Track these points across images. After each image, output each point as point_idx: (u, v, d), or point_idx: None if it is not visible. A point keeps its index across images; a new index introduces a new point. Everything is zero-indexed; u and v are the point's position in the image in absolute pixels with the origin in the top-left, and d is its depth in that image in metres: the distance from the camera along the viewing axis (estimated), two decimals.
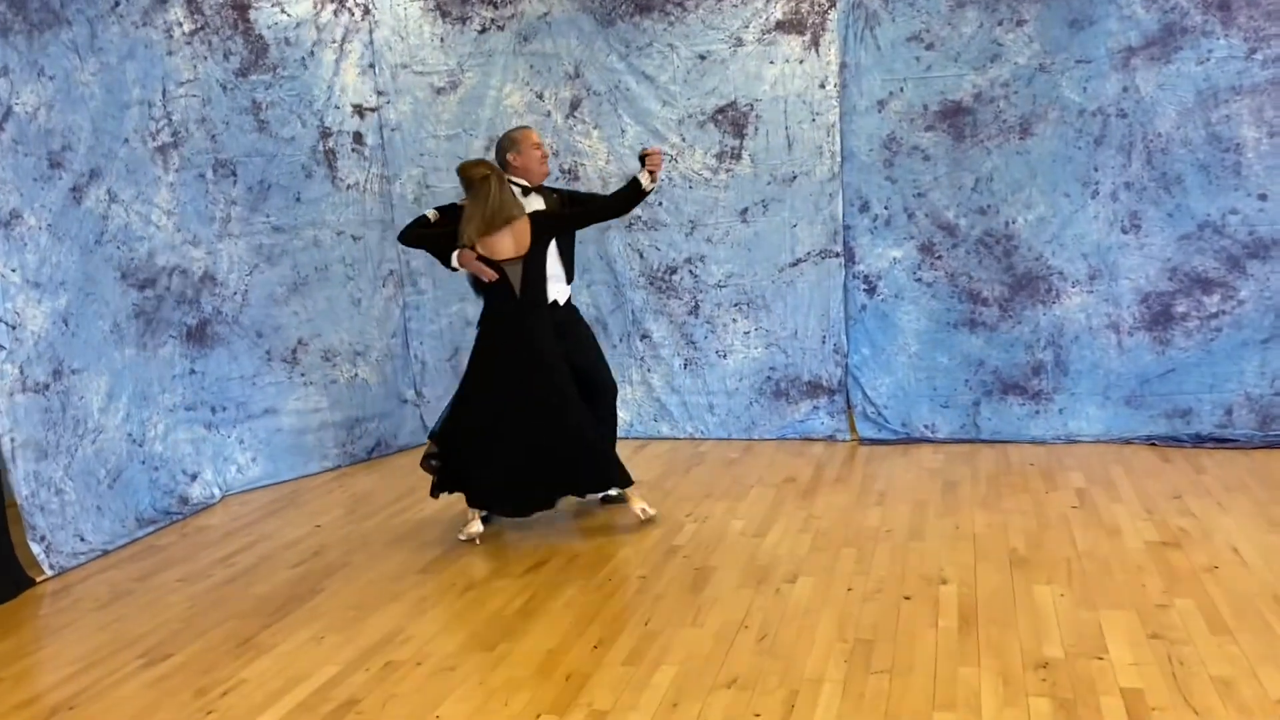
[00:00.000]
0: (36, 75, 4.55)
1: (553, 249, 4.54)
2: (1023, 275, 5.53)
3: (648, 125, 5.87)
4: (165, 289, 5.23)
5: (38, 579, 4.37)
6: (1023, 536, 4.18)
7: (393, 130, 6.09)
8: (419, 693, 3.19)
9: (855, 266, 5.77)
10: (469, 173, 4.34)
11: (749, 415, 5.97)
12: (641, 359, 6.08)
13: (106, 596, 4.18)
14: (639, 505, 4.58)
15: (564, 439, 4.40)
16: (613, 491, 4.83)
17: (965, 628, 3.39)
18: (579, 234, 4.86)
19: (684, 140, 5.84)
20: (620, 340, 6.10)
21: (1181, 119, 5.22)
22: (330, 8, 5.79)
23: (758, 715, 2.93)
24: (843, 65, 5.62)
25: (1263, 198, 5.15)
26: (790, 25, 5.65)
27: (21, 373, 4.44)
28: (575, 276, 4.85)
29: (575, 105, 6.00)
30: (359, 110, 5.96)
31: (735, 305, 5.92)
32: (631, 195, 4.42)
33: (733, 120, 5.79)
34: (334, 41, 5.82)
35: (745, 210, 5.84)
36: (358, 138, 5.96)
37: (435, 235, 4.44)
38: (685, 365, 6.04)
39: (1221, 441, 5.27)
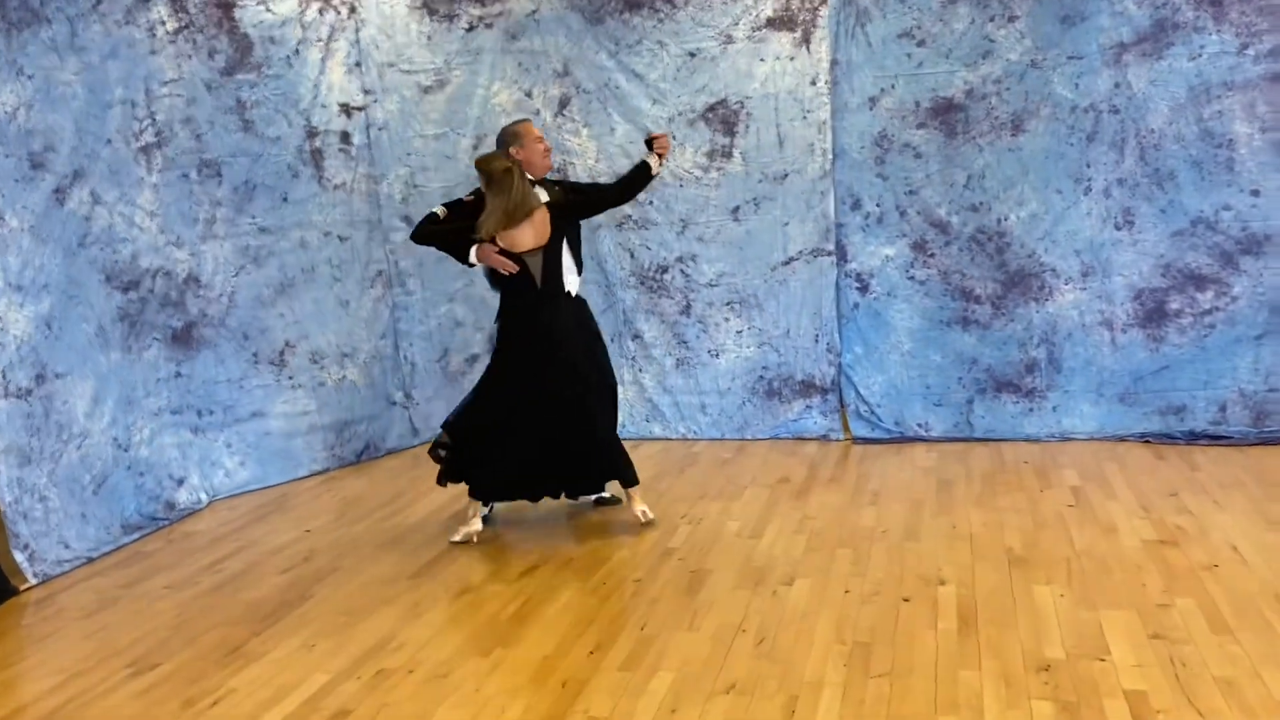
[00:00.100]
0: (16, 74, 4.47)
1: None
2: (1015, 272, 5.51)
3: (637, 124, 5.82)
4: (149, 291, 5.16)
5: (21, 587, 4.29)
6: (1019, 536, 4.15)
7: (380, 129, 6.03)
8: (412, 701, 3.13)
9: (847, 265, 5.73)
10: (489, 166, 4.29)
11: (742, 415, 5.93)
12: (633, 359, 6.03)
13: (92, 605, 4.11)
14: (640, 507, 4.53)
15: (579, 431, 4.38)
16: (606, 493, 4.80)
17: (965, 629, 3.36)
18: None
19: (674, 138, 5.78)
20: (611, 340, 6.01)
21: (1174, 115, 5.20)
22: (315, 6, 5.72)
23: None
24: (834, 62, 5.59)
25: (1255, 193, 5.14)
26: (781, 22, 5.61)
27: (4, 377, 4.36)
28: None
29: (564, 103, 5.95)
30: (345, 109, 5.90)
31: (727, 304, 5.88)
32: (641, 179, 4.47)
33: (723, 118, 5.75)
34: (320, 40, 5.75)
35: (737, 209, 5.80)
36: (344, 137, 5.89)
37: (448, 231, 4.38)
38: (677, 365, 6.00)
39: (1216, 438, 5.25)
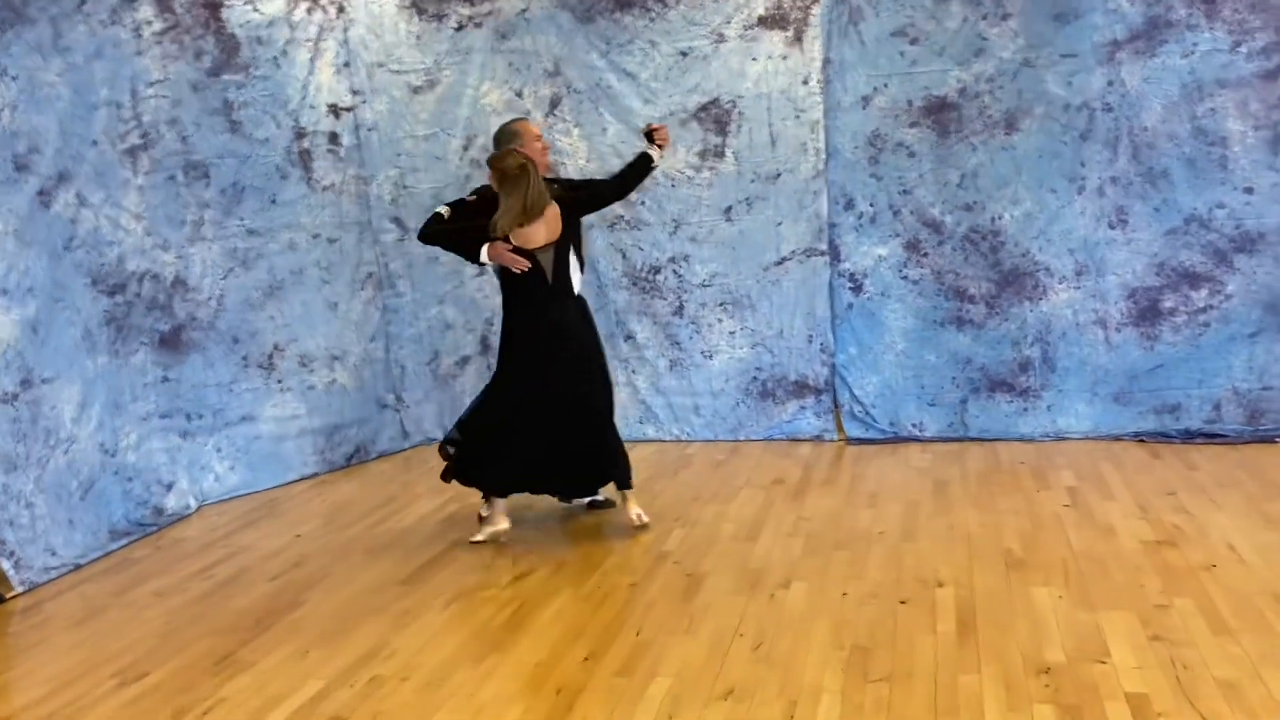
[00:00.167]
0: None
1: None
2: (1009, 272, 5.49)
3: (629, 123, 5.78)
4: (136, 295, 5.10)
5: (7, 595, 4.23)
6: (1017, 537, 4.13)
7: (369, 130, 5.98)
8: (406, 709, 3.09)
9: (841, 265, 5.70)
10: (504, 164, 4.25)
11: (735, 416, 5.90)
12: (626, 360, 5.99)
13: (79, 613, 4.05)
14: (635, 510, 4.49)
15: (586, 428, 4.37)
16: (600, 496, 4.76)
17: (964, 632, 3.33)
18: None
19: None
20: (604, 342, 5.99)
21: (1167, 113, 5.18)
22: (304, 6, 5.66)
23: None
24: (826, 61, 5.56)
25: (1249, 191, 5.13)
26: (773, 21, 5.58)
27: None
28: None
29: (555, 103, 5.90)
30: (334, 110, 5.85)
31: (720, 305, 5.84)
32: (643, 170, 4.47)
33: (715, 118, 5.71)
34: (308, 40, 5.70)
35: (729, 209, 5.76)
36: (333, 138, 5.84)
37: (456, 231, 4.34)
38: (670, 366, 5.96)
39: (1211, 437, 5.24)
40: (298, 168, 5.68)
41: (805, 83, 5.58)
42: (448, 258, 6.05)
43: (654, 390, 5.98)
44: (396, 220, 6.10)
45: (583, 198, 4.48)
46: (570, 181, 4.73)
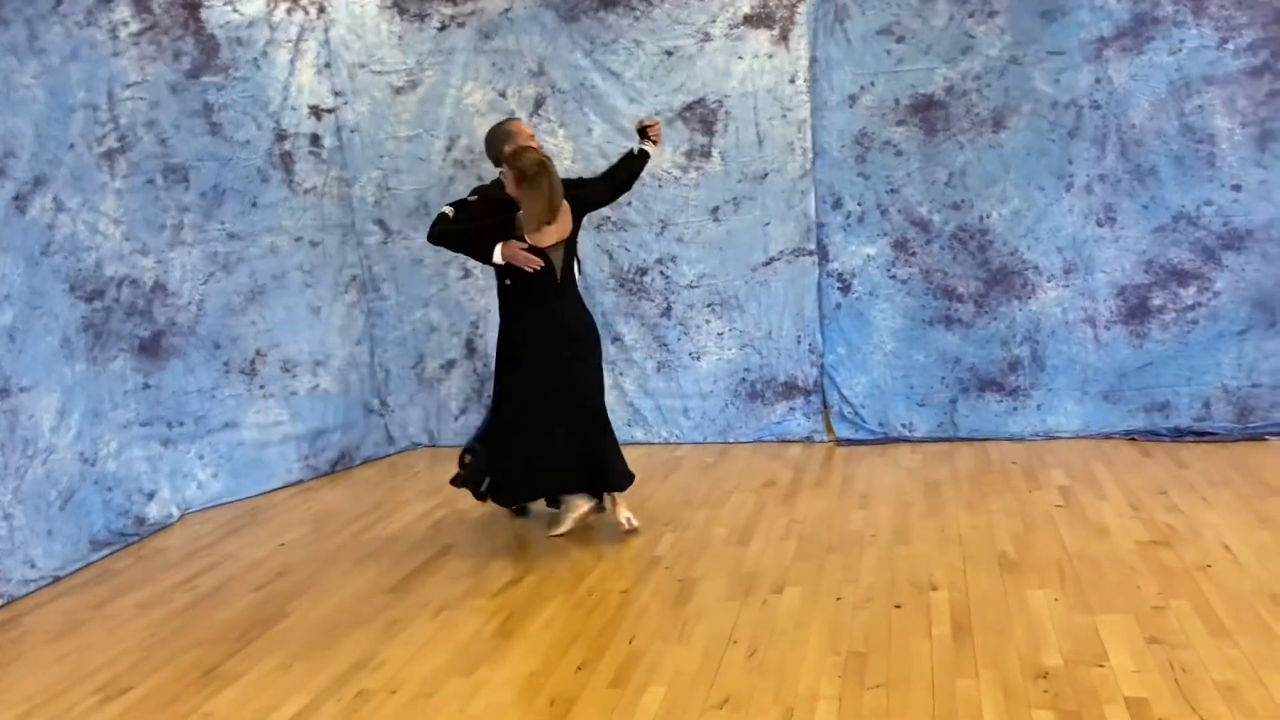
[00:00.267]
0: None
1: None
2: (998, 270, 5.46)
3: (614, 123, 5.73)
4: (114, 300, 5.01)
5: None
6: (1010, 538, 4.10)
7: (351, 132, 5.91)
8: None
9: (829, 264, 5.67)
10: (522, 161, 4.17)
11: (724, 418, 5.85)
12: (613, 363, 5.93)
13: (59, 626, 3.97)
14: (625, 513, 4.44)
15: (594, 426, 4.35)
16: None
17: (960, 636, 3.29)
18: None
19: None
20: None
21: (1155, 110, 5.17)
22: (284, 6, 5.59)
23: None
24: (813, 60, 5.52)
25: (1236, 188, 5.12)
26: (759, 19, 5.53)
27: None
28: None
29: (539, 103, 5.84)
30: (316, 111, 5.77)
31: (708, 306, 5.80)
32: (640, 166, 4.49)
33: (701, 117, 5.66)
34: (288, 41, 5.62)
35: (716, 209, 5.72)
36: (315, 140, 5.76)
37: (466, 231, 4.28)
38: (658, 368, 5.91)
39: (1201, 435, 5.23)
40: (279, 170, 5.60)
41: (792, 81, 5.54)
42: (432, 259, 6.02)
43: (642, 392, 5.93)
44: (380, 222, 6.03)
45: (586, 196, 4.45)
46: (568, 180, 4.68)
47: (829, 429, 5.74)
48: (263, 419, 5.57)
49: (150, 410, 5.17)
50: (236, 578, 4.33)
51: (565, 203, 4.27)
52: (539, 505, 4.79)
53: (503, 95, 5.88)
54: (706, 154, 5.68)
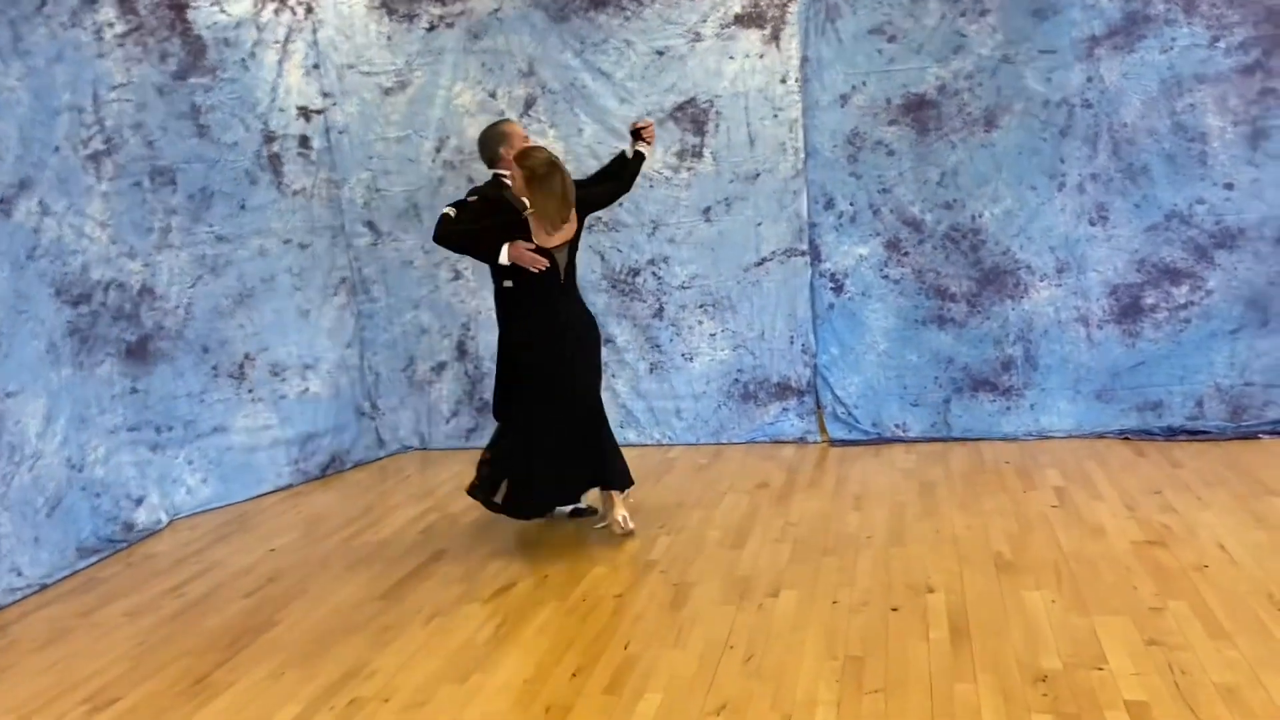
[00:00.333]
0: None
1: None
2: (990, 270, 5.45)
3: (605, 124, 5.70)
4: (101, 304, 4.96)
5: None
6: (1006, 539, 4.08)
7: (340, 133, 5.86)
8: None
9: (821, 264, 5.64)
10: (532, 162, 4.15)
11: (717, 419, 5.83)
12: (605, 364, 5.86)
13: (46, 635, 3.92)
14: (621, 513, 4.41)
15: (596, 423, 4.35)
16: (583, 504, 4.68)
17: (957, 639, 3.27)
18: None
19: None
20: None
21: (1146, 109, 5.16)
22: (271, 6, 5.54)
23: None
24: (804, 59, 5.49)
25: (1229, 187, 5.11)
26: (750, 19, 5.51)
27: None
28: None
29: (530, 104, 5.81)
30: (304, 113, 5.72)
31: (700, 307, 5.77)
32: (638, 167, 4.51)
33: (693, 117, 5.64)
34: (276, 41, 5.57)
35: (708, 209, 5.69)
36: (304, 141, 5.72)
37: (472, 232, 4.24)
38: (651, 369, 5.88)
39: (1194, 434, 5.22)
40: (267, 172, 5.55)
41: (783, 81, 5.51)
42: (422, 261, 5.98)
43: (634, 394, 5.90)
44: (369, 224, 5.99)
45: (589, 197, 4.42)
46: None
47: (822, 429, 5.72)
48: (252, 423, 5.52)
49: (138, 415, 5.12)
50: (226, 584, 4.28)
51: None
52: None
53: (493, 96, 5.84)
54: (698, 154, 5.65)
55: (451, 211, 4.29)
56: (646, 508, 4.77)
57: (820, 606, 3.59)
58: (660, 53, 5.62)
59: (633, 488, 4.52)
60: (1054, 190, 5.31)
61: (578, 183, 4.54)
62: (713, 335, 5.78)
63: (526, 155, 4.18)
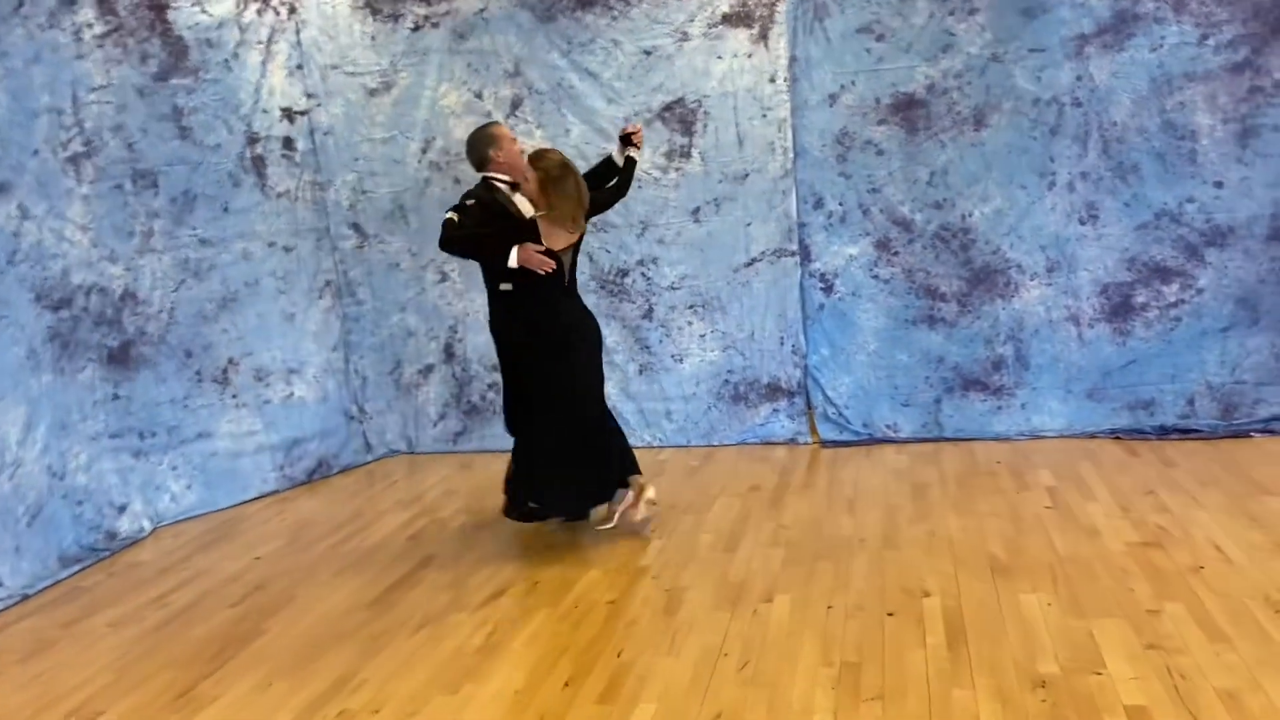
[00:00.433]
0: None
1: None
2: (980, 269, 5.42)
3: (593, 124, 5.65)
4: (82, 309, 4.88)
5: None
6: (1000, 541, 4.05)
7: (325, 134, 5.80)
8: None
9: (811, 265, 5.61)
10: (545, 162, 4.14)
11: (708, 421, 5.79)
12: None
13: (28, 647, 3.84)
14: (649, 494, 4.39)
15: (602, 421, 4.35)
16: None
17: (954, 644, 3.24)
18: None
19: None
20: None
21: (1136, 107, 5.14)
22: (254, 7, 5.47)
23: None
24: (792, 59, 5.46)
25: (1219, 185, 5.10)
26: (738, 18, 5.47)
27: None
28: None
29: (516, 104, 5.75)
30: (288, 114, 5.65)
31: (690, 307, 5.73)
32: (633, 171, 4.51)
33: (681, 117, 5.59)
34: (259, 42, 5.50)
35: (697, 210, 5.65)
36: (287, 143, 5.65)
37: (478, 236, 4.19)
38: (640, 371, 5.84)
39: (1185, 433, 5.21)
40: (251, 174, 5.48)
41: (772, 81, 5.48)
42: (408, 264, 5.92)
43: (624, 395, 5.85)
44: (355, 226, 5.93)
45: (595, 200, 4.38)
46: None
47: (813, 430, 5.69)
48: (236, 428, 5.45)
49: (120, 421, 5.05)
50: (211, 593, 4.22)
51: None
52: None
53: (479, 96, 5.79)
54: (686, 154, 5.61)
55: (455, 217, 4.23)
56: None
57: (815, 612, 3.55)
58: (648, 52, 5.57)
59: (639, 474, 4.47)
60: (1044, 189, 5.29)
61: None
62: (702, 336, 5.74)
63: (541, 157, 4.17)
